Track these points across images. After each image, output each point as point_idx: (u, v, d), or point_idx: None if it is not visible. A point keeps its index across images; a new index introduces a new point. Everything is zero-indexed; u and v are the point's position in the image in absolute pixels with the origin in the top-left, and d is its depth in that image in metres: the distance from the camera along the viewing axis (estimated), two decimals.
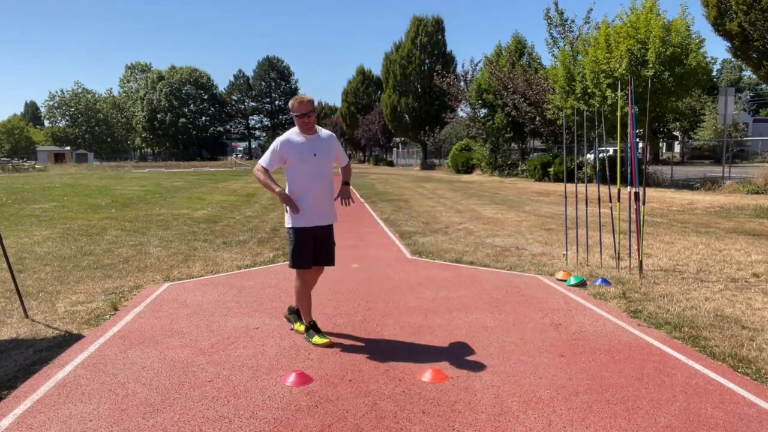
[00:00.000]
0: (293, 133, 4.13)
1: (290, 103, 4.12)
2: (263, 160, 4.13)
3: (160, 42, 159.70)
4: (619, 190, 6.63)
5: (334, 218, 4.26)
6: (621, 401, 3.17)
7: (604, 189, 9.25)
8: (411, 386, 3.38)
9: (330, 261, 4.28)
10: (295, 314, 4.43)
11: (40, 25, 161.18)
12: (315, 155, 4.06)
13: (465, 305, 5.15)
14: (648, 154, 29.00)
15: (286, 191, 4.12)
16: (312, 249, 4.16)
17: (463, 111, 34.06)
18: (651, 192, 16.66)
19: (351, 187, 4.31)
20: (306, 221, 4.08)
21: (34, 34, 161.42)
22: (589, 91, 19.64)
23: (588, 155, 22.48)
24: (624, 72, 17.72)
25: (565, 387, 3.36)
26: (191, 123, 78.86)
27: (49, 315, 4.88)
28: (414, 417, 3.00)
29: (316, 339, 4.10)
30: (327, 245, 4.23)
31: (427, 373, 3.52)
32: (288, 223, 4.12)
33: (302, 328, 4.28)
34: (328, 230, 4.24)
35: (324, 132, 4.21)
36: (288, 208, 4.03)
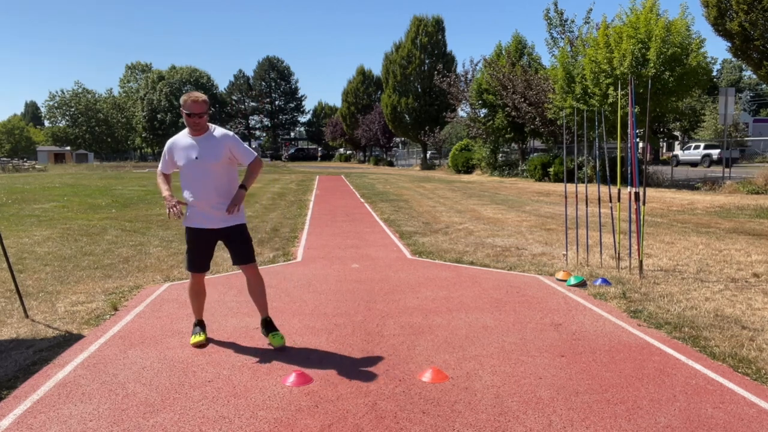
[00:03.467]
0: (181, 135, 4.04)
1: (183, 99, 3.89)
2: (159, 165, 4.18)
3: (160, 42, 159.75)
4: (619, 190, 6.63)
5: (231, 221, 4.00)
6: (621, 401, 3.17)
7: (604, 189, 9.26)
8: (411, 386, 3.38)
9: (245, 259, 4.09)
10: (196, 326, 4.25)
11: (40, 25, 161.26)
12: (196, 158, 3.91)
13: (465, 305, 5.15)
14: (648, 154, 29.01)
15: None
16: (204, 252, 4.06)
17: (463, 111, 34.07)
18: (651, 192, 16.66)
19: (246, 192, 4.06)
20: (191, 222, 4.02)
21: (34, 34, 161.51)
22: (589, 91, 19.64)
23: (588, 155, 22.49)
24: (625, 71, 17.72)
25: (566, 387, 3.36)
26: None
27: (49, 315, 4.88)
28: (414, 417, 3.00)
29: (193, 338, 4.12)
30: (236, 245, 4.05)
31: (427, 373, 3.52)
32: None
33: (197, 339, 4.10)
34: (226, 232, 4.02)
35: (219, 131, 3.99)
36: (169, 209, 3.90)
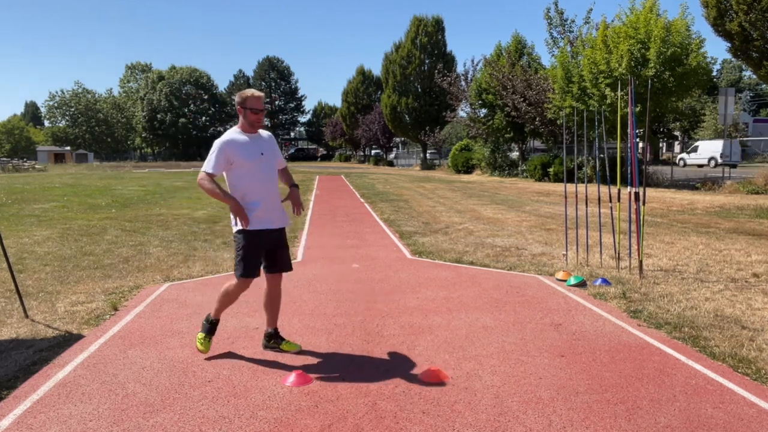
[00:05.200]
0: (235, 133, 3.86)
1: (243, 95, 3.81)
2: (207, 166, 3.76)
3: (160, 42, 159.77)
4: (619, 190, 6.63)
5: (286, 220, 3.99)
6: (621, 401, 3.17)
7: (604, 189, 9.26)
8: (411, 386, 3.38)
9: (288, 266, 4.03)
10: (209, 324, 4.03)
11: (41, 25, 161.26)
12: (262, 154, 3.86)
13: (465, 305, 5.15)
14: (648, 154, 29.00)
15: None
16: (261, 255, 3.91)
17: (463, 111, 34.06)
18: (651, 192, 16.66)
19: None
20: (255, 224, 3.81)
21: (34, 34, 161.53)
22: (588, 91, 19.64)
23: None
24: (624, 72, 17.72)
25: (566, 387, 3.36)
26: (191, 123, 78.86)
27: (49, 315, 4.87)
28: (414, 417, 3.00)
29: (202, 339, 3.95)
30: (283, 248, 3.99)
31: (427, 373, 3.52)
32: (236, 227, 3.84)
33: (202, 347, 3.94)
34: (280, 234, 3.99)
35: (263, 132, 3.98)
36: (237, 219, 3.75)
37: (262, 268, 3.97)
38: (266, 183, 3.88)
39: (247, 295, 5.50)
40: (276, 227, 3.92)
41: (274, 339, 4.07)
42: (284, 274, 4.09)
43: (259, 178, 3.84)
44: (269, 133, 4.06)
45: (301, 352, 3.99)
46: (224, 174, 3.86)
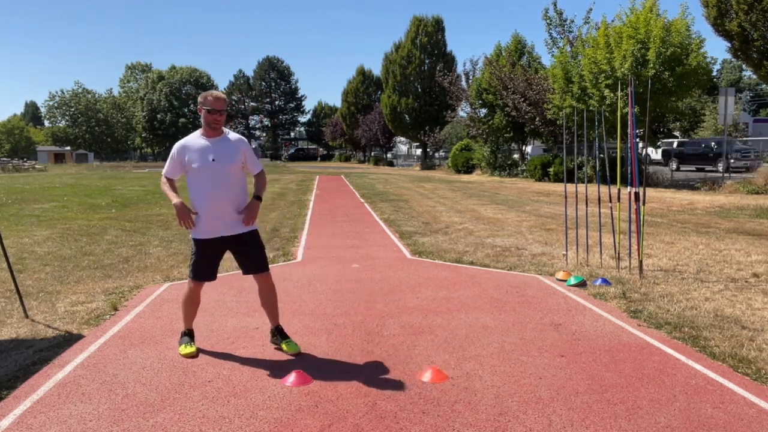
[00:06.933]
0: (194, 136, 3.86)
1: (203, 95, 3.80)
2: (164, 169, 3.88)
3: (160, 42, 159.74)
4: (619, 190, 6.63)
5: (245, 226, 3.87)
6: (621, 401, 3.17)
7: (604, 189, 9.26)
8: (411, 386, 3.38)
9: (260, 267, 3.95)
10: (185, 335, 4.06)
11: (41, 25, 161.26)
12: (213, 160, 3.76)
13: (465, 305, 5.15)
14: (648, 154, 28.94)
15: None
16: (213, 261, 3.90)
17: (463, 111, 34.06)
18: (651, 192, 16.66)
19: (261, 203, 3.93)
20: (200, 232, 3.80)
21: (34, 34, 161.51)
22: (588, 91, 19.63)
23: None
24: (626, 72, 17.72)
25: (566, 387, 3.36)
26: (191, 123, 78.83)
27: (49, 315, 4.88)
28: (414, 417, 3.00)
29: (183, 348, 3.93)
30: (250, 251, 3.92)
31: (427, 373, 3.52)
32: (191, 233, 3.88)
33: (187, 350, 3.92)
34: (241, 239, 3.89)
35: (233, 135, 3.92)
36: (182, 222, 3.74)
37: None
38: (214, 190, 3.77)
39: (246, 295, 5.52)
40: (224, 235, 3.83)
41: (276, 336, 4.07)
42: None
43: (206, 185, 3.77)
44: (239, 137, 3.96)
45: (301, 352, 3.98)
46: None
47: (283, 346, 3.99)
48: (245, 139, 4.02)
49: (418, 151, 48.89)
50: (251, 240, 3.94)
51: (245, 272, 4.01)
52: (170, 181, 3.89)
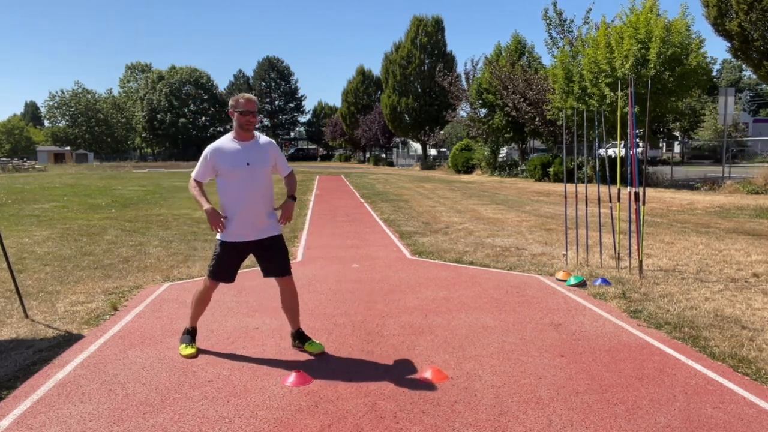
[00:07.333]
0: (226, 140, 3.84)
1: (234, 98, 3.80)
2: (194, 172, 3.83)
3: (160, 42, 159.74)
4: (618, 190, 6.63)
5: (272, 230, 3.89)
6: (621, 401, 3.17)
7: (604, 189, 9.26)
8: (411, 386, 3.38)
9: (284, 270, 3.95)
10: (187, 334, 4.07)
11: (41, 25, 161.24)
12: (247, 164, 3.76)
13: (465, 305, 5.15)
14: (648, 154, 28.98)
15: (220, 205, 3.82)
16: (236, 264, 3.91)
17: (463, 111, 34.07)
18: (651, 192, 16.66)
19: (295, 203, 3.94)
20: (230, 235, 3.80)
21: (34, 33, 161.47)
22: (589, 91, 19.63)
23: (600, 151, 22.35)
24: (627, 72, 17.72)
25: (565, 387, 3.36)
26: (191, 123, 78.85)
27: (49, 315, 4.87)
28: (414, 417, 3.00)
29: (184, 348, 3.92)
30: (275, 256, 3.92)
31: (427, 373, 3.52)
32: (217, 235, 3.87)
33: (188, 351, 3.92)
34: (266, 243, 3.89)
35: (263, 138, 3.93)
36: (214, 226, 3.75)
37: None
38: (247, 194, 3.77)
39: (246, 295, 5.53)
40: (251, 239, 3.84)
41: (297, 339, 4.05)
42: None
43: (239, 189, 3.77)
44: (269, 140, 3.97)
45: (300, 352, 3.98)
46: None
47: (307, 348, 3.97)
48: (274, 142, 4.02)
49: (433, 151, 48.70)
50: (276, 244, 3.93)
51: (266, 275, 4.00)
52: (199, 184, 3.85)
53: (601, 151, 23.34)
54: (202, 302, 4.04)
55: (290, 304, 4.04)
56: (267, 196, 3.89)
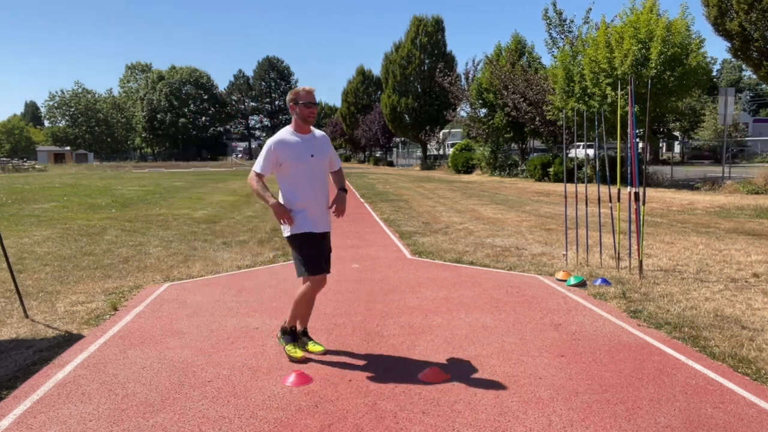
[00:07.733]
0: (287, 133, 3.81)
1: (294, 91, 3.78)
2: (256, 165, 3.76)
3: (160, 42, 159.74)
4: (618, 190, 6.63)
5: (330, 224, 3.94)
6: (621, 401, 3.17)
7: (604, 189, 9.26)
8: (411, 386, 3.38)
9: (329, 267, 3.97)
10: (289, 335, 3.98)
11: (41, 25, 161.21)
12: (312, 156, 3.77)
13: (465, 305, 5.15)
14: (648, 154, 29.00)
15: (280, 200, 3.78)
16: (325, 253, 3.85)
17: (463, 111, 34.07)
18: (651, 192, 16.66)
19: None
20: (304, 227, 3.74)
21: (34, 33, 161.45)
22: (589, 91, 19.63)
23: (580, 150, 22.32)
24: (627, 71, 17.72)
25: (565, 387, 3.36)
26: (191, 123, 78.89)
27: (49, 315, 4.87)
28: (414, 417, 3.00)
29: (292, 349, 3.86)
30: (329, 253, 3.93)
31: (427, 373, 3.52)
32: (286, 231, 3.77)
33: (296, 353, 3.86)
34: (327, 237, 3.93)
35: (318, 131, 3.93)
36: (283, 220, 3.71)
37: None
38: (314, 186, 3.77)
39: (246, 295, 5.52)
40: (323, 231, 3.84)
41: (302, 338, 4.04)
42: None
43: (306, 180, 3.75)
44: (323, 133, 3.97)
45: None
46: (276, 174, 3.80)
47: (309, 348, 3.98)
48: (327, 135, 4.01)
49: (449, 150, 48.43)
50: (329, 239, 3.95)
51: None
52: (261, 177, 3.75)
53: (573, 152, 23.34)
54: (307, 304, 3.91)
55: (313, 302, 4.01)
56: (327, 189, 3.89)
